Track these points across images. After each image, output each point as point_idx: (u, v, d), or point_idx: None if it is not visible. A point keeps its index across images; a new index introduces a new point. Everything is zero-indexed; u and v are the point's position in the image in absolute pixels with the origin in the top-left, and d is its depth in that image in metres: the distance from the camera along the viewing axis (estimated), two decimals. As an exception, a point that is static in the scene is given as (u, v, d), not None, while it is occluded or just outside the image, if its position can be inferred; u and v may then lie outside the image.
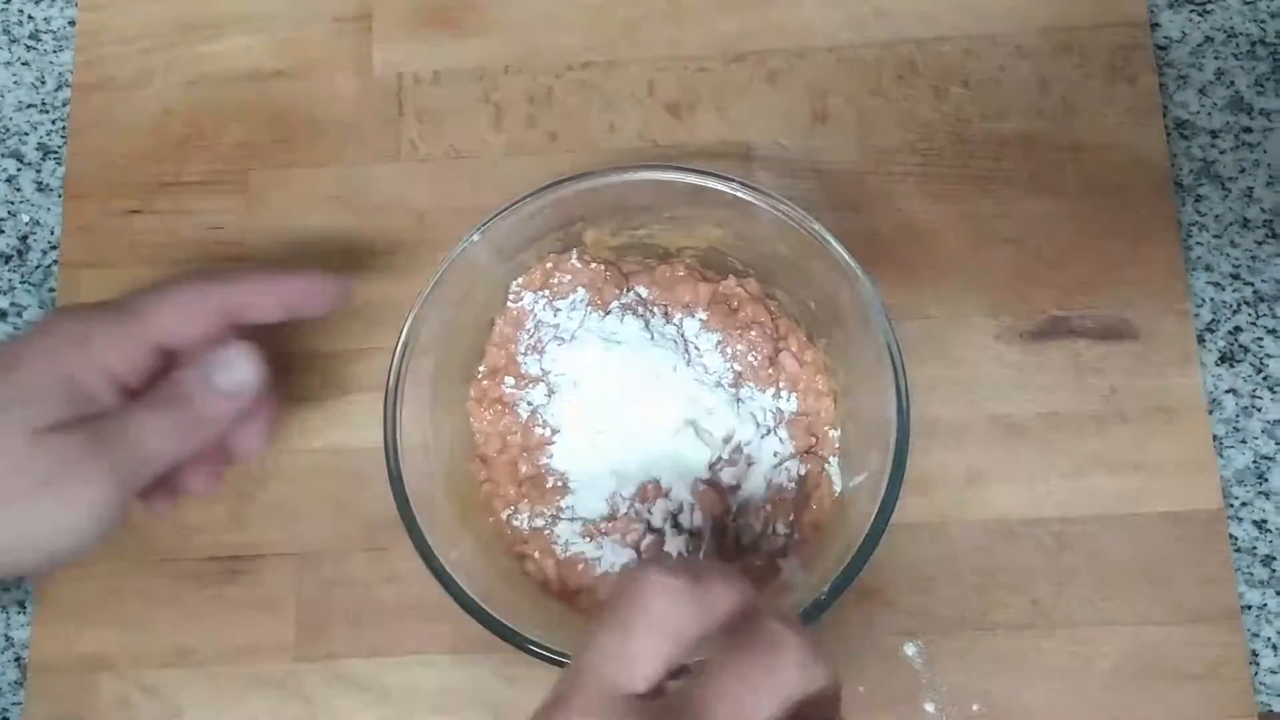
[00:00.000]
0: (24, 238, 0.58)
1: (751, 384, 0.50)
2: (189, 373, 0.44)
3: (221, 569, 0.53)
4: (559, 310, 0.51)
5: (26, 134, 0.59)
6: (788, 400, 0.50)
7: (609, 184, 0.48)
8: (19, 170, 0.59)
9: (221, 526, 0.53)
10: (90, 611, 0.52)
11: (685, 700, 0.31)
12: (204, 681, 0.51)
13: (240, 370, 0.45)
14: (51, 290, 0.57)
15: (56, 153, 0.59)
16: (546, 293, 0.51)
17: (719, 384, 0.50)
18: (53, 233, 0.58)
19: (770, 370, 0.50)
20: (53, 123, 0.59)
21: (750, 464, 0.49)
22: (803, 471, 0.50)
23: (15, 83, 0.60)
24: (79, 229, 0.57)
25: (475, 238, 0.47)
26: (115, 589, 0.53)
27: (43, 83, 0.60)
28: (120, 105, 0.58)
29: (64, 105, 0.59)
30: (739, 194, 0.47)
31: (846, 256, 0.46)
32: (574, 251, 0.51)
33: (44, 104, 0.60)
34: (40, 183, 0.59)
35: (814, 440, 0.50)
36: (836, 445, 0.50)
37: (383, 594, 0.52)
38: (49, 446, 0.41)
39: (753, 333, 0.50)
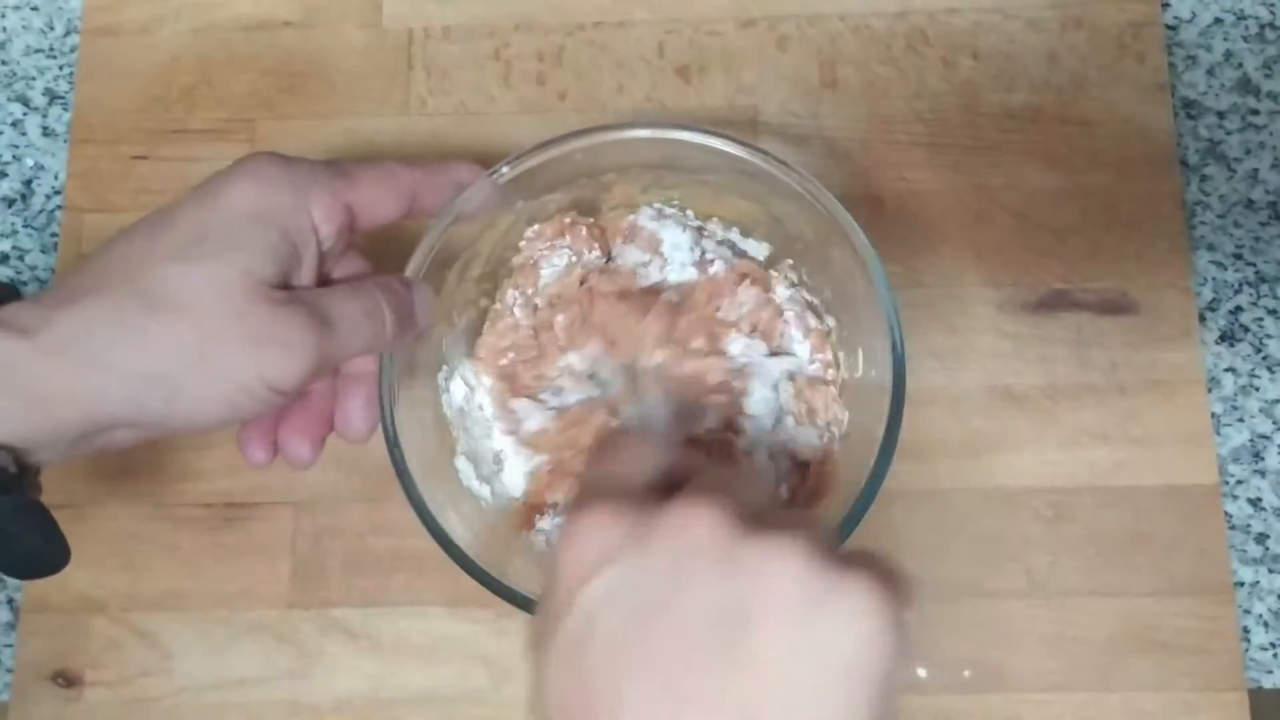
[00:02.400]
0: (28, 182, 0.58)
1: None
2: (394, 278, 0.43)
3: (218, 515, 0.53)
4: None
5: (34, 79, 0.59)
6: (809, 363, 0.50)
7: (648, 139, 0.47)
8: (25, 115, 0.59)
9: (219, 473, 0.53)
10: (84, 554, 0.52)
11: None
12: (197, 626, 0.51)
13: (430, 301, 0.44)
14: (54, 235, 0.57)
15: (63, 98, 0.59)
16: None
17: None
18: (57, 177, 0.58)
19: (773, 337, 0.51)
20: (60, 68, 0.59)
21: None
22: (818, 441, 0.50)
23: (24, 27, 0.60)
24: (83, 174, 0.57)
25: (504, 170, 0.47)
26: (110, 532, 0.53)
27: (51, 28, 0.60)
28: (129, 52, 0.58)
29: (72, 51, 0.59)
30: (771, 169, 0.46)
31: (864, 241, 0.45)
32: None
33: (52, 49, 0.59)
34: (46, 128, 0.58)
35: (815, 413, 0.50)
36: (842, 425, 0.50)
37: (378, 544, 0.52)
38: (268, 306, 0.38)
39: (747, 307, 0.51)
